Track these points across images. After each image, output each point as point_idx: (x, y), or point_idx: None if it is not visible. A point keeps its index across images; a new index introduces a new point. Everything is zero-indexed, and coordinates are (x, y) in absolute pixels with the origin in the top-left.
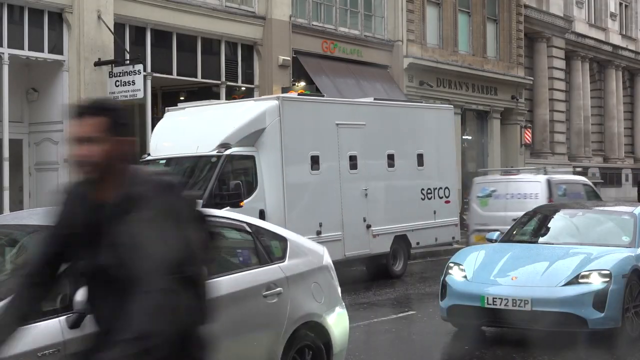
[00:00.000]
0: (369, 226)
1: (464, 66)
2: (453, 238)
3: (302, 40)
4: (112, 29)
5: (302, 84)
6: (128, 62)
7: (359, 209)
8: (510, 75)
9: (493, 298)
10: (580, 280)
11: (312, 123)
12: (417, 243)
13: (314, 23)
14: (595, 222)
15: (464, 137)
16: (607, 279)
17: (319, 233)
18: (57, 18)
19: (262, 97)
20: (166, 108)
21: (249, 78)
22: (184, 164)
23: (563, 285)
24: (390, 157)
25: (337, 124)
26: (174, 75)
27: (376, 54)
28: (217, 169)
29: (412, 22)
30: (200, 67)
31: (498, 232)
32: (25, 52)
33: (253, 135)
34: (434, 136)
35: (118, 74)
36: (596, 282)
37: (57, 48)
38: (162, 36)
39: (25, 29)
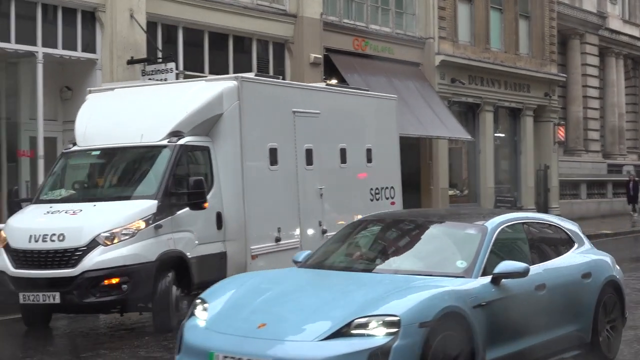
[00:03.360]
0: (324, 231)
1: (496, 63)
2: None
3: (333, 38)
4: (145, 28)
5: (334, 81)
6: (160, 60)
7: (315, 212)
8: (543, 72)
9: (224, 357)
10: (353, 332)
11: (270, 110)
12: None
13: (345, 21)
14: (431, 239)
15: (496, 134)
16: (394, 330)
17: (278, 240)
18: (90, 17)
19: (216, 76)
20: (88, 89)
21: (280, 76)
22: (124, 157)
23: (323, 340)
24: (343, 152)
25: (294, 112)
26: (206, 74)
27: (408, 52)
28: (169, 162)
29: (443, 19)
30: (231, 66)
31: (309, 252)
32: (59, 51)
33: (207, 123)
34: (379, 128)
35: (150, 72)
36: (378, 335)
37: (90, 47)
38: (194, 34)
39: (59, 28)
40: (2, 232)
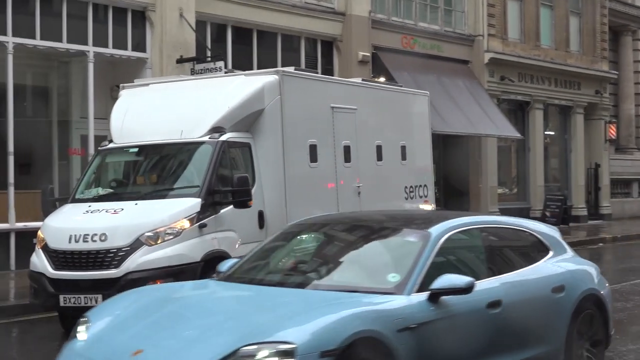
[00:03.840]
0: None
1: (547, 60)
2: None
3: (382, 35)
4: (194, 27)
5: (382, 79)
6: (209, 59)
7: (353, 209)
8: (594, 69)
9: None
10: None
11: (310, 105)
12: None
13: (394, 18)
14: (366, 248)
15: (546, 132)
16: None
17: None
18: (140, 16)
19: (256, 71)
20: (121, 85)
21: (328, 74)
22: (164, 153)
23: None
24: (379, 149)
25: (333, 108)
26: None
27: (456, 49)
28: (211, 159)
29: (492, 16)
30: (280, 64)
31: (235, 260)
32: (110, 50)
33: (248, 118)
34: (413, 125)
35: (199, 71)
36: None
37: (140, 46)
38: (242, 33)
39: (109, 27)
40: (40, 232)
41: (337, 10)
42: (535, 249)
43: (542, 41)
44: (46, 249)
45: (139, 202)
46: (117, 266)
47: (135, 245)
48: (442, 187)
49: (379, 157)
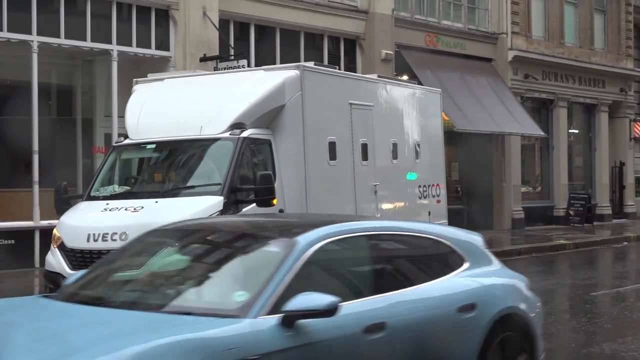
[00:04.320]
0: None
1: (571, 58)
2: None
3: (405, 34)
4: (217, 25)
5: (405, 77)
6: (233, 57)
7: (370, 210)
8: (619, 67)
9: None
10: None
11: (329, 101)
12: None
13: (417, 16)
14: (222, 260)
15: (570, 131)
16: None
17: None
18: (164, 15)
19: (276, 66)
20: (135, 80)
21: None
22: (183, 150)
23: None
24: (394, 147)
25: (351, 104)
26: None
27: (480, 47)
28: (233, 156)
29: (516, 14)
30: (303, 62)
31: (83, 272)
32: (134, 49)
33: (269, 114)
34: (426, 123)
35: (223, 70)
36: None
37: (163, 44)
38: (265, 31)
39: (133, 26)
40: (56, 231)
41: (360, 8)
42: (445, 260)
43: (566, 39)
44: (63, 248)
45: (159, 200)
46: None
47: None
48: (464, 185)
49: (395, 156)
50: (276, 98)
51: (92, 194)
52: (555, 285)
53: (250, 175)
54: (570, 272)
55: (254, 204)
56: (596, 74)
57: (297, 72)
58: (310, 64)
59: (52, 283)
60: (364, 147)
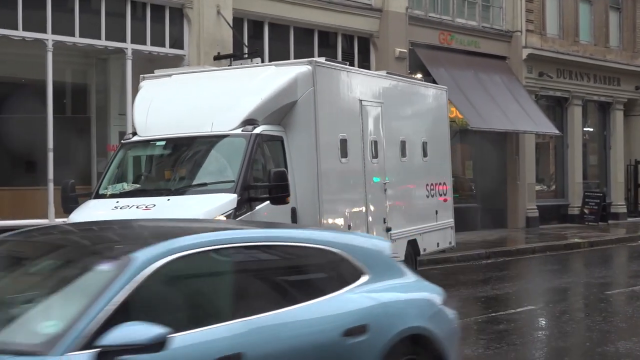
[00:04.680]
0: (388, 229)
1: (586, 56)
2: (450, 243)
3: (419, 32)
4: (231, 24)
5: (419, 76)
6: (246, 55)
7: (380, 209)
8: (634, 65)
9: None
10: None
11: (340, 98)
12: (424, 250)
13: (431, 14)
14: (45, 280)
15: (584, 129)
16: None
17: None
18: (178, 14)
19: (287, 61)
20: (142, 76)
21: None
22: (194, 147)
23: None
24: (403, 145)
25: (361, 101)
26: None
27: (494, 45)
28: (245, 152)
29: (531, 12)
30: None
31: None
32: (148, 47)
33: (281, 111)
34: (433, 121)
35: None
36: None
37: (178, 43)
38: (279, 30)
39: (147, 24)
40: None
41: (374, 6)
42: (335, 274)
43: (581, 37)
44: None
45: (171, 198)
46: None
47: None
48: (478, 183)
49: (403, 154)
50: (288, 94)
51: (101, 191)
52: (569, 284)
53: (263, 173)
54: (585, 270)
55: (268, 202)
56: (611, 71)
57: (309, 67)
58: (322, 59)
59: None
60: (374, 144)
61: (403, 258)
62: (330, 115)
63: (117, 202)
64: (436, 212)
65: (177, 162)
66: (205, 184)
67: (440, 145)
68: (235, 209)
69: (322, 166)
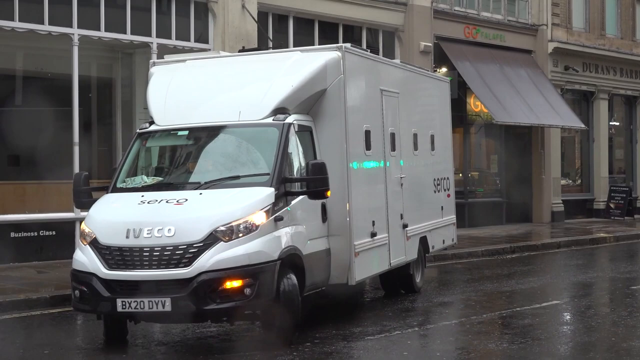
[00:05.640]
0: (405, 225)
1: (612, 50)
2: (452, 240)
3: (444, 25)
4: (256, 18)
5: (444, 70)
6: (271, 49)
7: (397, 204)
8: None
9: None
10: None
11: (365, 87)
12: (432, 247)
13: (456, 8)
14: None
15: (610, 123)
16: None
17: (373, 235)
18: (203, 8)
19: (314, 47)
20: (152, 61)
21: None
22: (221, 137)
23: None
24: (415, 137)
25: (382, 91)
26: None
27: (519, 39)
28: (279, 143)
29: (557, 5)
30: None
31: None
32: (173, 42)
33: (310, 99)
34: (439, 113)
35: None
36: None
37: (203, 37)
38: (304, 24)
39: (172, 19)
40: (85, 226)
41: (399, 0)
42: None
43: (607, 30)
44: (96, 245)
45: (204, 192)
46: (187, 265)
47: (209, 240)
48: (503, 177)
49: (415, 147)
50: (319, 81)
51: (119, 185)
52: (595, 278)
53: (296, 165)
54: (611, 265)
55: (303, 196)
56: (638, 65)
57: (338, 53)
58: (348, 45)
59: (84, 285)
60: (392, 136)
61: (416, 256)
62: (357, 105)
63: (142, 196)
64: (442, 208)
65: (202, 154)
66: (237, 177)
67: (445, 138)
68: (274, 204)
69: (350, 159)
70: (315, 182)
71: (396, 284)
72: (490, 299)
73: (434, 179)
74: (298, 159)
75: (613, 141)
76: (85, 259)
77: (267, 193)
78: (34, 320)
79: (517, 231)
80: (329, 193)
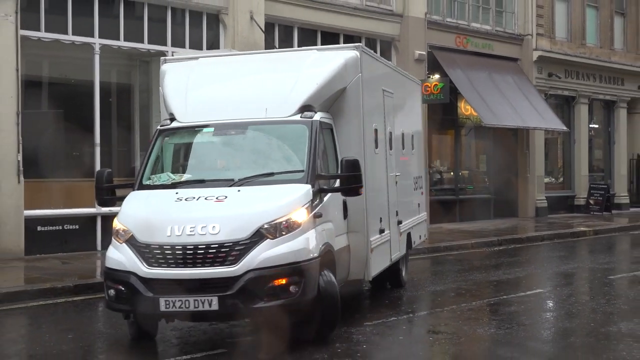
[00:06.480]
0: (399, 222)
1: (592, 58)
2: (425, 236)
3: (437, 35)
4: (263, 28)
5: (437, 76)
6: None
7: (394, 200)
8: (637, 66)
9: None
10: None
11: (373, 86)
12: (414, 242)
13: (448, 19)
14: None
15: (590, 125)
16: None
17: (382, 231)
18: (214, 19)
19: (332, 45)
20: (162, 58)
21: None
22: (248, 134)
23: None
24: (402, 137)
25: (384, 91)
26: None
27: (507, 48)
28: (310, 140)
29: (541, 17)
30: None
31: None
32: (186, 50)
33: (331, 98)
34: (415, 112)
35: None
36: None
37: (214, 46)
38: (308, 34)
39: (186, 29)
40: (120, 224)
41: (396, 12)
42: None
43: (587, 40)
44: (133, 243)
45: (242, 189)
46: (233, 263)
47: (255, 238)
48: (492, 176)
49: (403, 146)
50: (339, 80)
51: (144, 182)
52: (575, 269)
53: (324, 163)
54: (590, 257)
55: (331, 194)
56: (616, 72)
57: (356, 52)
58: (363, 44)
59: (121, 284)
60: (390, 135)
61: (405, 251)
62: (370, 104)
63: (177, 193)
64: (419, 205)
65: (231, 150)
66: (272, 174)
67: (419, 137)
68: (312, 201)
69: (367, 157)
70: (349, 179)
71: (384, 278)
72: (479, 287)
73: (414, 177)
74: (326, 157)
75: (592, 142)
76: (122, 257)
77: (305, 190)
78: (58, 307)
79: (504, 225)
80: (362, 190)
